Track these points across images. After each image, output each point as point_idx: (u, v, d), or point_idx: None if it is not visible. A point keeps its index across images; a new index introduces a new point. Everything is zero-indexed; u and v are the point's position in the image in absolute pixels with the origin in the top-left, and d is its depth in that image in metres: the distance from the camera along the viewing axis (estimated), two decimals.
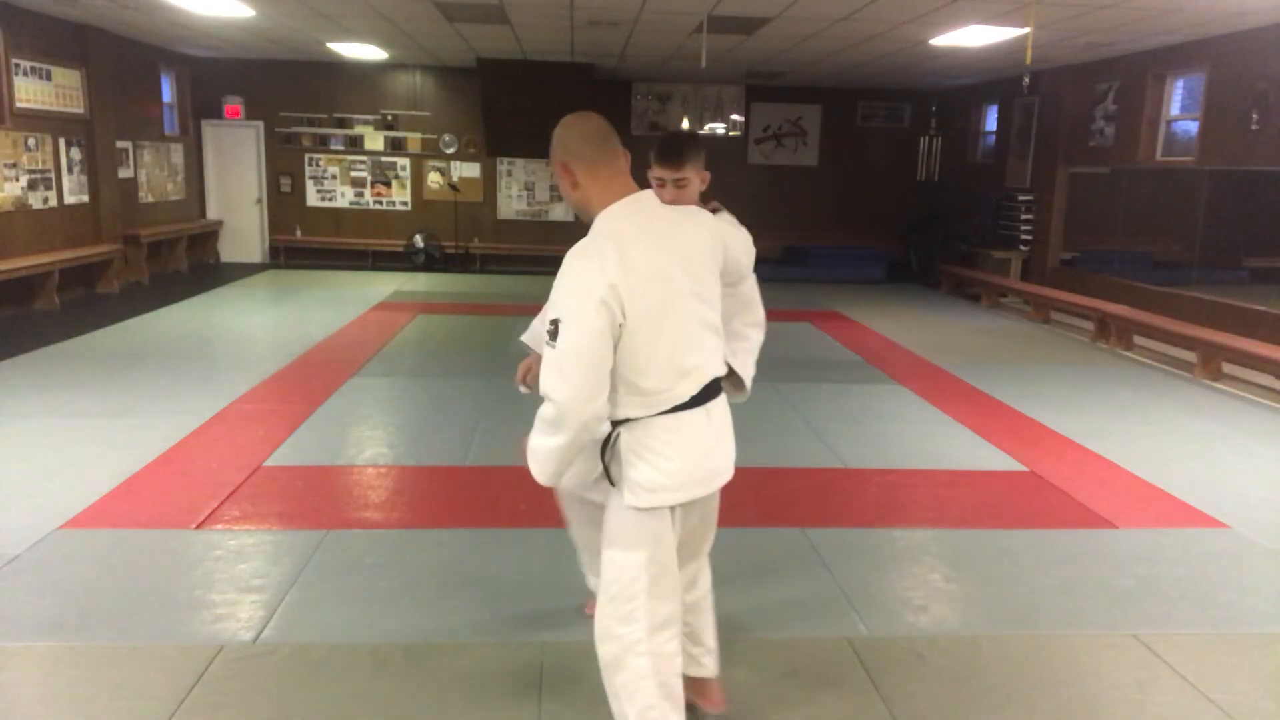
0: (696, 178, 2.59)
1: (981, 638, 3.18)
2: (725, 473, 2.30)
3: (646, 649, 2.21)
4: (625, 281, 2.01)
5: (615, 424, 2.18)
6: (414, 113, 13.21)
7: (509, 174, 13.53)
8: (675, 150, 2.54)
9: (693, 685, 2.57)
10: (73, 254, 9.41)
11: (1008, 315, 10.60)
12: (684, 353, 2.13)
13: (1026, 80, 9.36)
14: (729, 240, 2.42)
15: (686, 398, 2.15)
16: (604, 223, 2.14)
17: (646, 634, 2.21)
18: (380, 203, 13.43)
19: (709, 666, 2.61)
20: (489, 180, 13.49)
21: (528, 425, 2.25)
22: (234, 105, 12.97)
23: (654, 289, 2.06)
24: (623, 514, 2.20)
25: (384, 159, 13.30)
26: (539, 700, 2.72)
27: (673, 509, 2.21)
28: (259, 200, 13.33)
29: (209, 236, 13.13)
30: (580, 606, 3.19)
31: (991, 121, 12.91)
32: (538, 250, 13.33)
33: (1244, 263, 10.21)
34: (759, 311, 2.70)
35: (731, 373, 2.51)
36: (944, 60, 10.32)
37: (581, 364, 2.00)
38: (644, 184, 2.50)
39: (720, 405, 2.30)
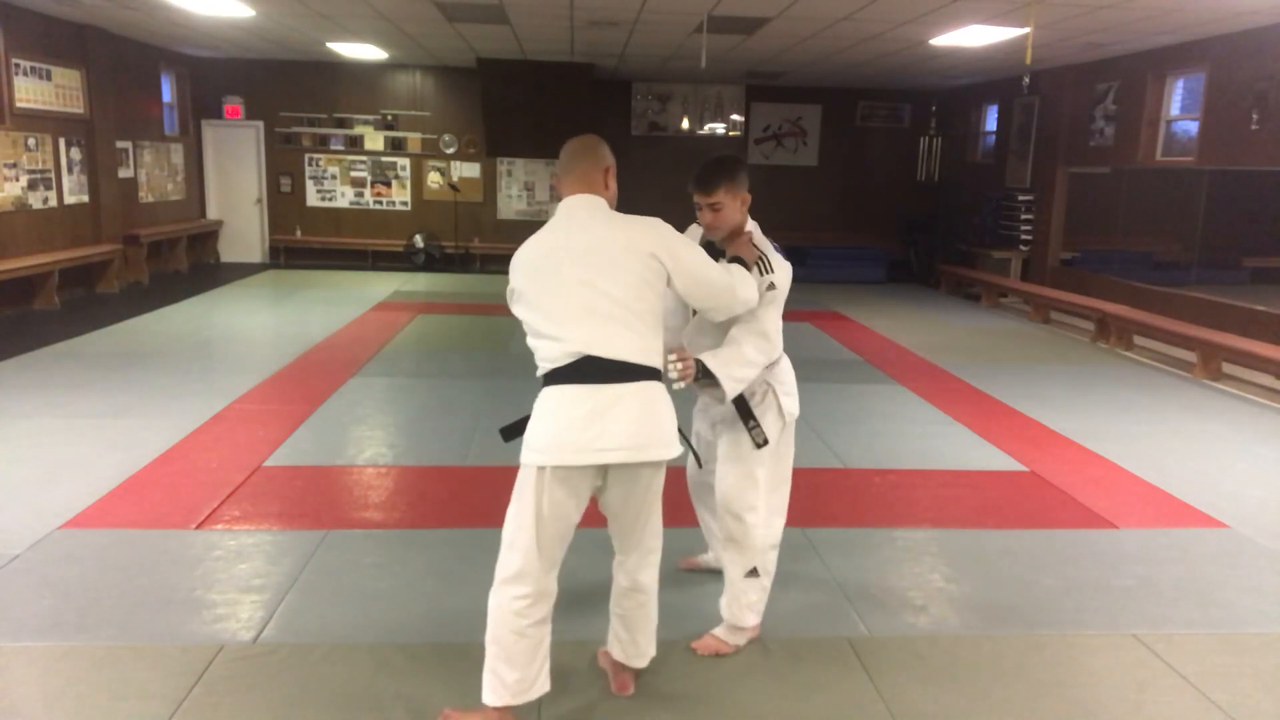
0: (732, 201, 2.84)
1: (981, 638, 3.18)
2: (609, 451, 2.39)
3: (494, 592, 2.50)
4: (517, 262, 2.53)
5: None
6: (414, 113, 13.21)
7: (509, 174, 13.53)
8: (704, 177, 2.83)
9: (613, 661, 2.80)
10: (73, 254, 9.41)
11: (1008, 315, 10.60)
12: (556, 324, 2.43)
13: (1026, 80, 9.37)
14: (678, 257, 2.51)
15: (563, 362, 2.41)
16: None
17: (497, 580, 2.50)
18: (380, 203, 13.43)
19: (629, 656, 2.74)
20: (489, 180, 13.49)
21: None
22: (234, 105, 12.97)
23: (536, 269, 2.48)
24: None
25: (384, 159, 13.30)
26: (539, 699, 2.71)
27: (541, 470, 2.41)
28: (259, 200, 13.33)
29: (209, 236, 13.14)
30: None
31: (991, 121, 12.91)
32: None
33: (1244, 263, 10.22)
34: (760, 332, 2.82)
35: (708, 372, 2.70)
36: (944, 60, 10.32)
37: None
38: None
39: (617, 389, 2.41)
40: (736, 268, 2.71)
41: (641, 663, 2.75)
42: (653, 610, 2.72)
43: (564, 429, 2.39)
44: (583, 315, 2.42)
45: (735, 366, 2.75)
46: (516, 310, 2.55)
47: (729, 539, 3.00)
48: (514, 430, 2.58)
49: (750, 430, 2.92)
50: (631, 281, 2.45)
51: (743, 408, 2.93)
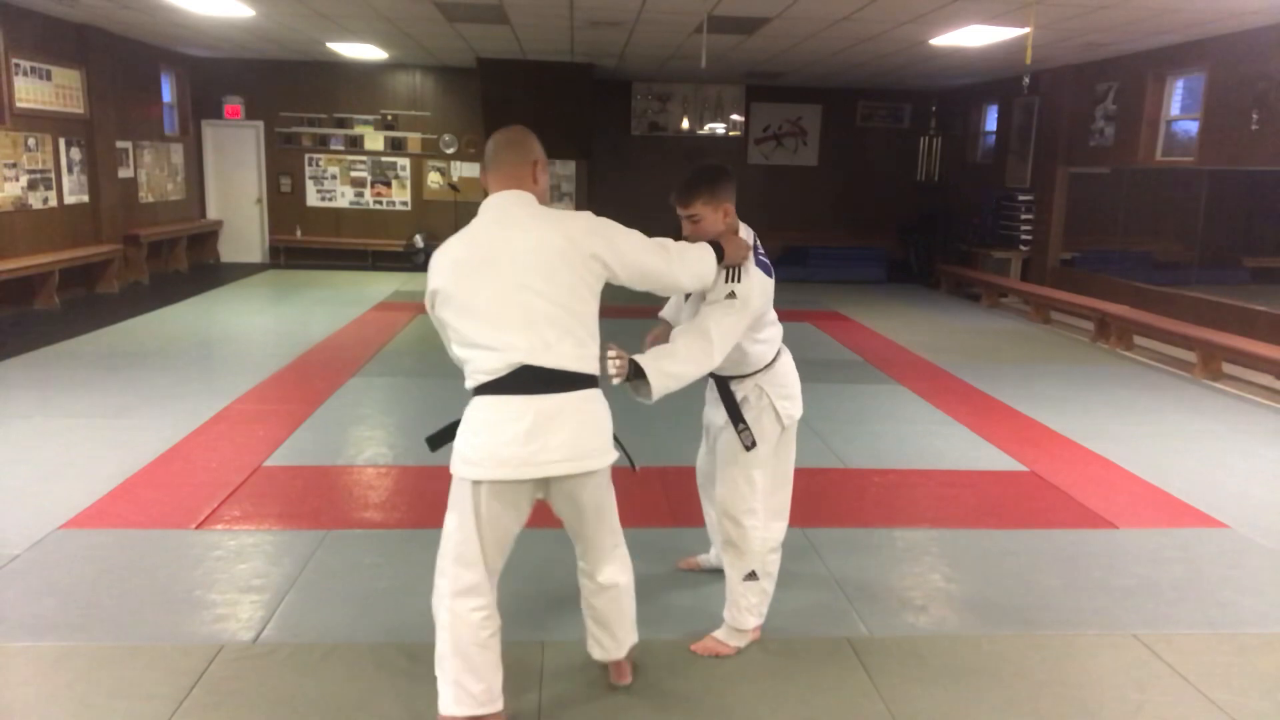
0: (712, 212, 2.76)
1: (981, 638, 3.18)
2: (549, 464, 2.33)
3: (448, 606, 2.42)
4: (442, 262, 2.38)
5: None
6: (414, 113, 13.21)
7: None
8: (683, 188, 2.78)
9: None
10: (73, 254, 9.41)
11: (1008, 315, 10.60)
12: (493, 331, 2.31)
13: (1026, 80, 9.37)
14: (619, 251, 2.43)
15: (501, 373, 2.31)
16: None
17: (449, 594, 2.42)
18: (380, 203, 13.43)
19: (609, 651, 2.71)
20: None
21: None
22: (234, 105, 12.97)
23: (468, 271, 2.34)
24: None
25: (384, 159, 13.31)
26: (539, 699, 2.72)
27: (477, 484, 2.34)
28: (259, 200, 13.34)
29: (209, 236, 13.14)
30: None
31: (991, 121, 12.91)
32: None
33: (1244, 263, 10.21)
34: (701, 330, 2.67)
35: (641, 371, 2.55)
36: (944, 60, 10.32)
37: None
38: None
39: (557, 400, 2.33)
40: (679, 245, 2.60)
41: (622, 653, 2.72)
42: (627, 603, 2.68)
43: (503, 444, 2.30)
44: (521, 321, 2.30)
45: (664, 360, 2.60)
46: (442, 315, 2.39)
47: (728, 542, 2.99)
48: (441, 438, 2.49)
49: (739, 433, 2.90)
50: (571, 283, 2.35)
51: (732, 409, 2.91)
